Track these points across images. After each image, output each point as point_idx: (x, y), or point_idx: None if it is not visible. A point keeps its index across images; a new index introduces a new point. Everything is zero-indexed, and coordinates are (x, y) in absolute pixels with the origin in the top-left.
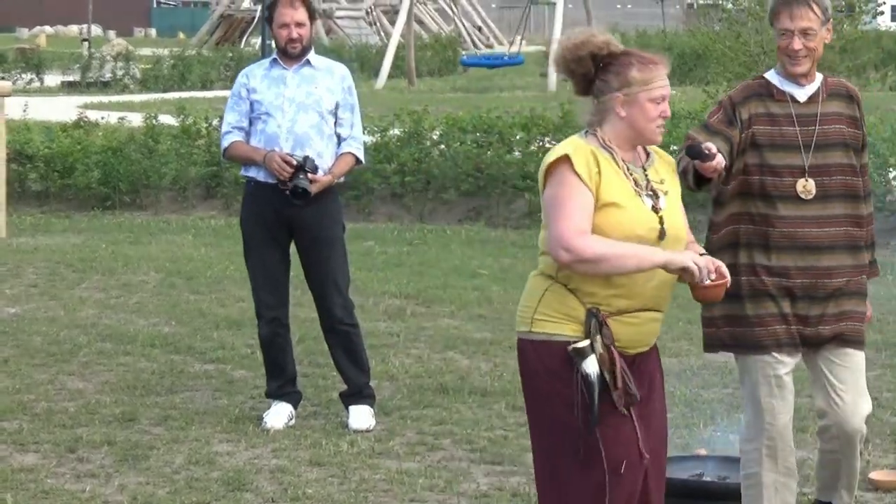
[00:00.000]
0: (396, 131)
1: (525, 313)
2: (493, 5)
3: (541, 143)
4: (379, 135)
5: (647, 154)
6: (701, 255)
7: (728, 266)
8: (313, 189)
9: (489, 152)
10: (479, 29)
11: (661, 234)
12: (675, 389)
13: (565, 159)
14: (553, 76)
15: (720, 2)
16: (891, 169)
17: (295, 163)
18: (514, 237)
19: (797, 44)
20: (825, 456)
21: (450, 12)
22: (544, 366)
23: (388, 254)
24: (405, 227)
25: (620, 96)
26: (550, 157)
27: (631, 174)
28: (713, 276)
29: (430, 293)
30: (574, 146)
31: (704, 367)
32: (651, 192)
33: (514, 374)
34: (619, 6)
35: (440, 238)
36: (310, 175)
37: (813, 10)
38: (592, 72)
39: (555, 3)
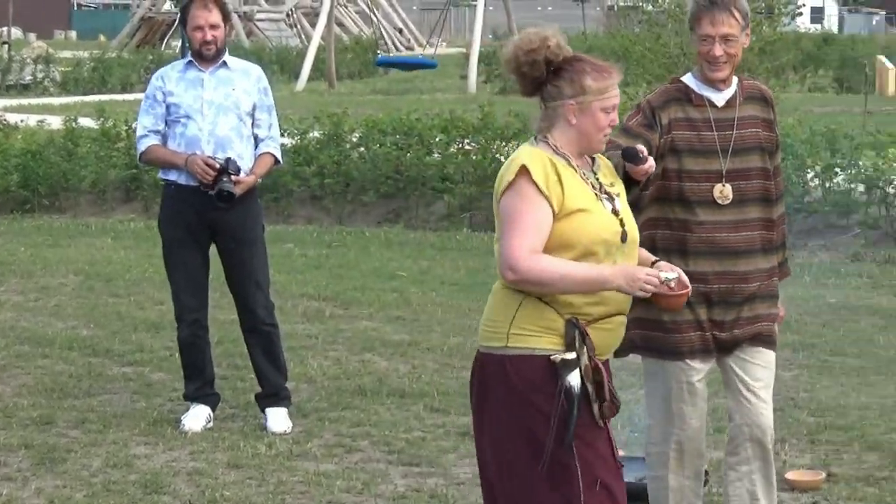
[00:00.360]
0: (316, 134)
1: (497, 328)
2: (414, 8)
3: (460, 146)
4: (298, 137)
5: (593, 159)
6: (654, 262)
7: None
8: (238, 191)
9: (409, 154)
10: (400, 31)
11: (623, 237)
12: None
13: (523, 170)
14: (473, 78)
15: (640, 4)
16: (808, 170)
17: (218, 166)
18: (433, 239)
19: (718, 50)
20: (735, 475)
21: (370, 15)
22: (525, 381)
23: (307, 256)
24: (324, 230)
25: (573, 104)
26: (509, 171)
27: (587, 179)
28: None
29: (349, 295)
30: (529, 155)
31: (622, 367)
32: (607, 196)
33: (431, 375)
34: (539, 8)
35: (359, 240)
36: (233, 177)
37: (734, 17)
38: (544, 76)
39: (475, 6)
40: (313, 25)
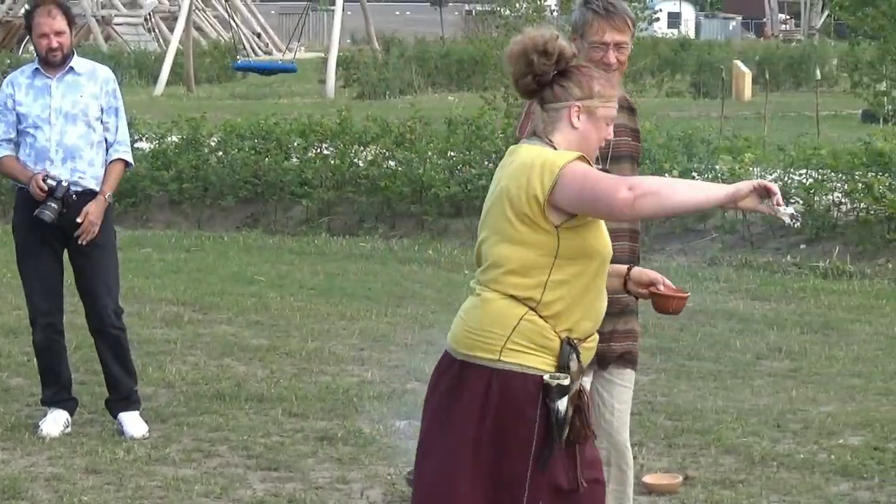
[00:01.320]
0: (174, 138)
1: (492, 340)
2: (273, 12)
3: (318, 150)
4: (157, 142)
5: None
6: (628, 270)
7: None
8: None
9: (267, 159)
10: (258, 36)
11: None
12: None
13: (582, 157)
14: (331, 83)
15: (497, 8)
16: (666, 175)
17: (47, 188)
18: (291, 244)
19: (612, 57)
20: None
21: (229, 19)
22: (507, 399)
23: (165, 261)
24: (183, 234)
25: (580, 106)
26: (561, 158)
27: None
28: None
29: (208, 300)
30: (568, 151)
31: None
32: None
33: (290, 379)
34: (397, 13)
35: (218, 245)
36: (86, 207)
37: (627, 24)
38: (551, 74)
39: (333, 10)
40: (172, 30)
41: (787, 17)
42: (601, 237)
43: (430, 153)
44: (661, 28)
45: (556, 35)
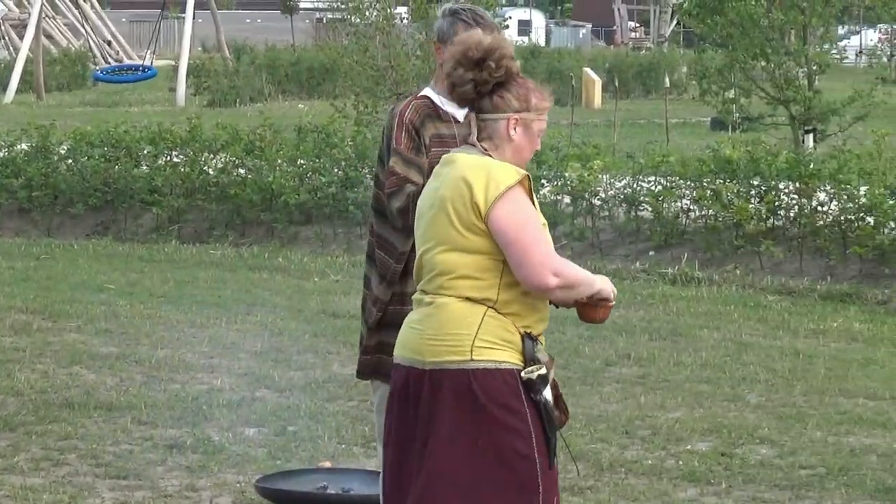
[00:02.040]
0: (24, 146)
1: (459, 341)
2: (123, 20)
3: (168, 158)
4: (6, 150)
5: None
6: None
7: (401, 295)
8: None
9: (117, 167)
10: (109, 43)
11: None
12: (301, 402)
13: (525, 180)
14: (182, 90)
15: (348, 16)
16: None
17: None
18: (141, 251)
19: None
20: None
21: (79, 27)
22: (489, 396)
23: (14, 269)
24: (32, 242)
25: (518, 118)
26: (503, 179)
27: None
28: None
29: (57, 308)
30: (508, 166)
31: (329, 380)
32: None
33: (139, 387)
34: (248, 20)
35: (68, 253)
36: None
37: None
38: (492, 83)
39: (184, 18)
40: (21, 37)
41: (637, 25)
42: (550, 240)
43: (279, 161)
44: (511, 36)
45: (503, 45)
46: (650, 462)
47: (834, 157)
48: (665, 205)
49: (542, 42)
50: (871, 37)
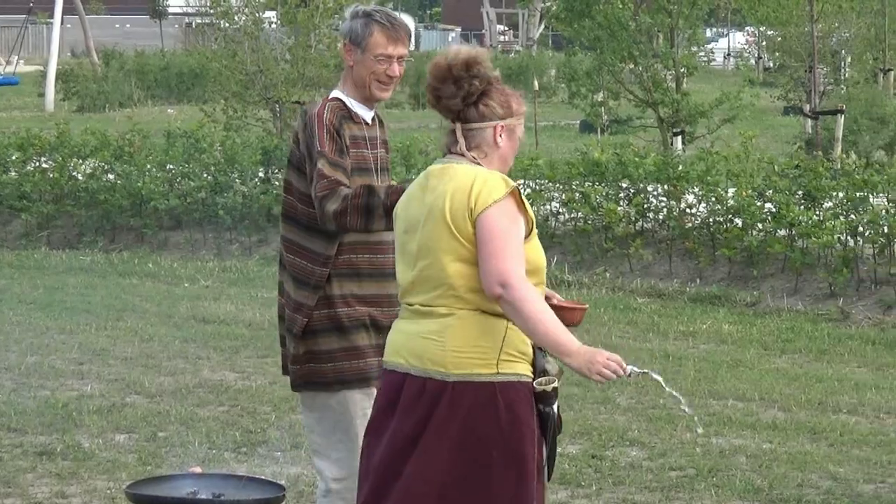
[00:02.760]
0: None
1: (486, 354)
2: None
3: (37, 164)
4: None
5: None
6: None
7: (327, 298)
8: None
9: None
10: None
11: None
12: (171, 408)
13: (515, 191)
14: (50, 96)
15: (216, 21)
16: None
17: None
18: (10, 258)
19: (396, 69)
20: None
21: None
22: (509, 408)
23: None
24: None
25: (503, 125)
26: (494, 189)
27: None
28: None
29: None
30: (499, 176)
31: (200, 385)
32: None
33: (9, 394)
34: (117, 25)
35: None
36: None
37: (408, 38)
38: (476, 94)
39: (52, 23)
40: None
41: (506, 28)
42: (539, 250)
43: (149, 166)
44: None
45: (483, 54)
46: None
47: (702, 159)
48: (534, 208)
49: (411, 46)
50: (738, 39)
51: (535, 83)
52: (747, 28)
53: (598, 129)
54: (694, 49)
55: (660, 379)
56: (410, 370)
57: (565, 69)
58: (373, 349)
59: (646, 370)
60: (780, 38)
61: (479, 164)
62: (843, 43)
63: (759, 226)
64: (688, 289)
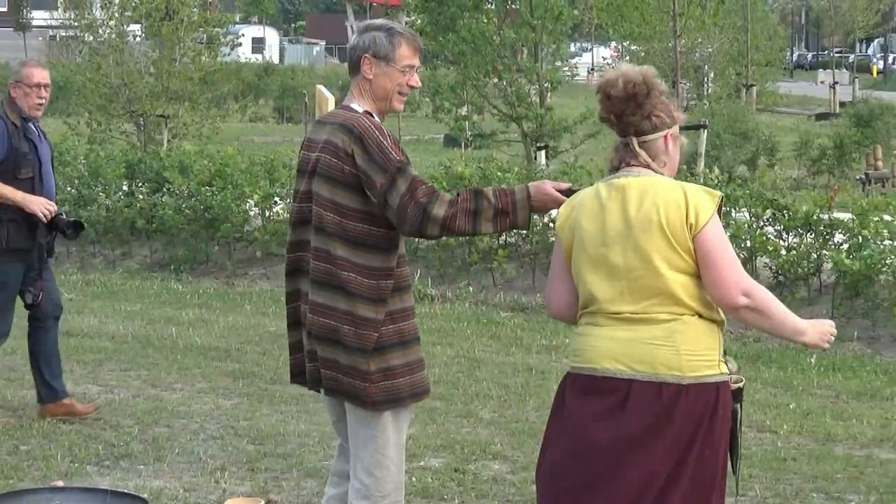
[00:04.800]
0: None
1: (712, 357)
2: None
3: None
4: None
5: None
6: None
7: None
8: None
9: None
10: None
11: None
12: (34, 421)
13: (720, 203)
14: None
15: (80, 34)
16: (248, 199)
17: None
18: None
19: (416, 80)
20: None
21: None
22: (724, 407)
23: None
24: None
25: (672, 134)
26: (706, 202)
27: None
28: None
29: None
30: (705, 189)
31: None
32: None
33: None
34: None
35: None
36: None
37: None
38: (645, 110)
39: None
40: None
41: None
42: None
43: None
44: (244, 53)
45: (652, 71)
46: None
47: (565, 174)
48: None
49: (275, 59)
50: (602, 54)
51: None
52: (611, 42)
53: (462, 144)
54: (558, 64)
55: None
56: (636, 376)
57: (429, 83)
58: (422, 362)
59: None
60: (643, 54)
61: (661, 173)
62: (706, 58)
63: None
64: None
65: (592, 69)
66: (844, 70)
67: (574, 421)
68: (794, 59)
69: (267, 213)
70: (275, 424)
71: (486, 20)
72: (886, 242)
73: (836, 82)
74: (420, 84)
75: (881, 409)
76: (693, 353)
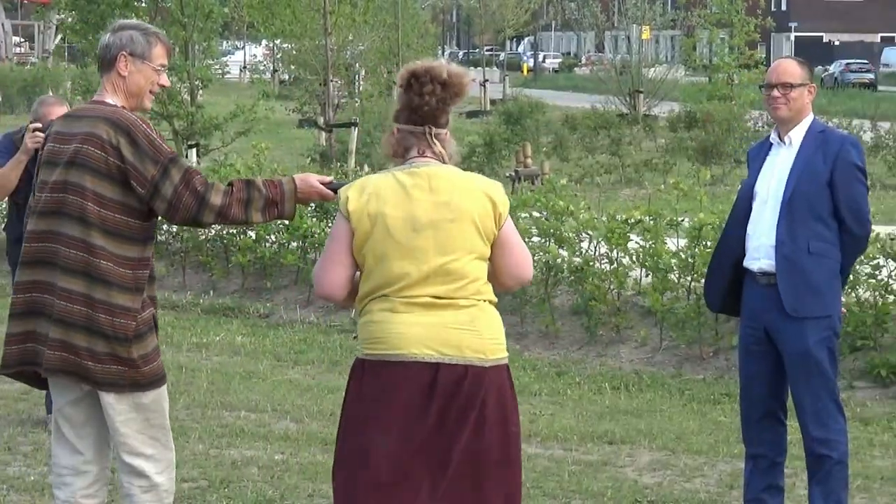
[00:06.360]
0: None
1: (503, 340)
2: None
3: None
4: None
5: None
6: None
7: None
8: None
9: None
10: None
11: None
12: None
13: None
14: None
15: None
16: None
17: None
18: None
19: (166, 80)
20: None
21: None
22: (512, 386)
23: None
24: None
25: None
26: (503, 195)
27: None
28: None
29: None
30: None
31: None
32: None
33: None
34: None
35: None
36: None
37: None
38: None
39: None
40: None
41: (22, 40)
42: None
43: None
44: None
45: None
46: (32, 479)
47: (215, 172)
48: None
49: None
50: (255, 52)
51: (51, 93)
52: (264, 41)
53: None
54: (209, 62)
55: None
56: (444, 359)
57: (81, 81)
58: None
59: None
60: (295, 52)
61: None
62: (357, 56)
63: (273, 237)
64: (201, 301)
65: (245, 67)
66: (495, 68)
67: (381, 405)
68: (447, 56)
69: None
70: None
71: (135, 18)
72: (535, 239)
73: (487, 80)
74: (169, 83)
75: (529, 405)
76: (494, 338)
